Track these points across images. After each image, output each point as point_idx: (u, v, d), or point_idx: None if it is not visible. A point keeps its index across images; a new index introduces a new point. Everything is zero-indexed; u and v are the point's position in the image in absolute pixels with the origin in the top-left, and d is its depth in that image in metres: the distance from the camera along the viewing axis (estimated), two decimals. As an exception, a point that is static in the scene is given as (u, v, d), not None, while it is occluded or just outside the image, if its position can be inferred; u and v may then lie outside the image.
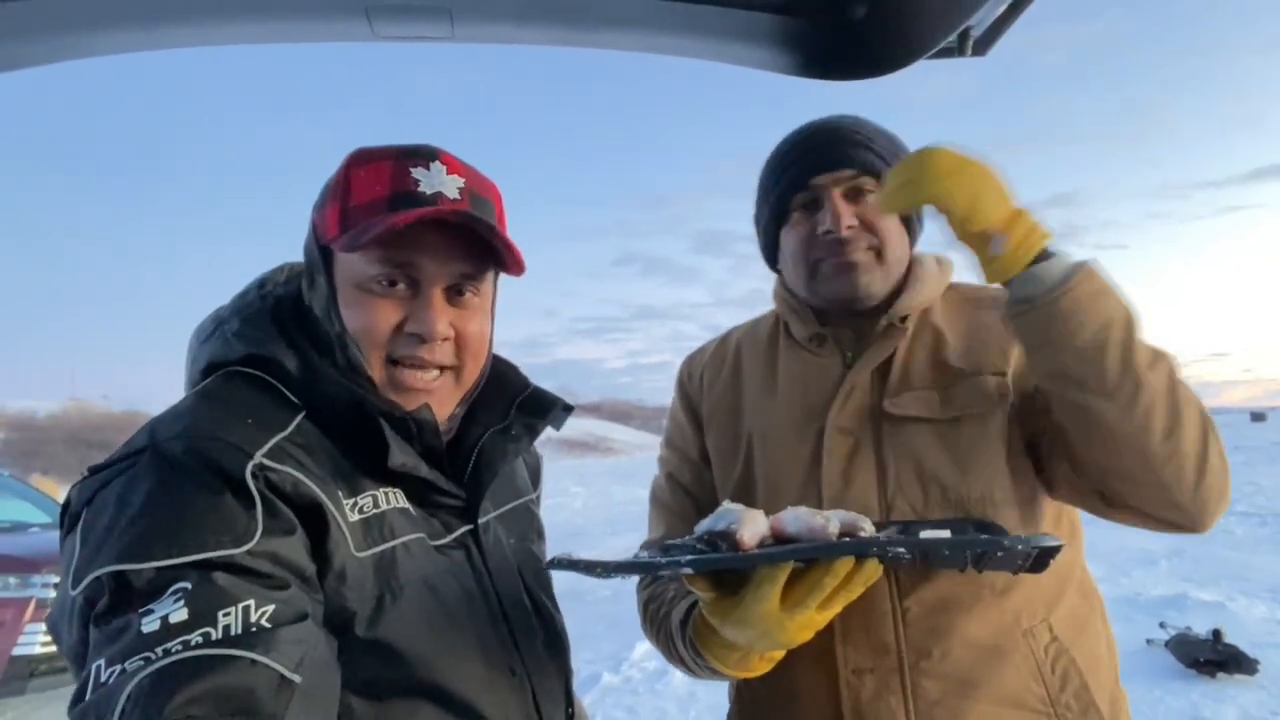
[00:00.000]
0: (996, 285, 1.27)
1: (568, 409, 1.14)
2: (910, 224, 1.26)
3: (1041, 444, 1.14)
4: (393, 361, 0.96)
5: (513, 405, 1.11)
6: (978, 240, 1.02)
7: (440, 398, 0.99)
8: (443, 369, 0.99)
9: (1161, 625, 5.35)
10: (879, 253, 1.21)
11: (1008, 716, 1.08)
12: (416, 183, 0.94)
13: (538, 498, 1.29)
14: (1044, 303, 0.98)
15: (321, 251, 0.97)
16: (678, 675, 5.07)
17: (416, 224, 0.90)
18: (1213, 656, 4.74)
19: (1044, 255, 1.01)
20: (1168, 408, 0.98)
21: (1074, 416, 1.03)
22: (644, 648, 5.81)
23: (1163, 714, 4.32)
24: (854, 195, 1.21)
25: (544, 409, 1.12)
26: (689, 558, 0.91)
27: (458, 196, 0.96)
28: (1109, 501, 1.08)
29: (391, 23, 1.10)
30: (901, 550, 0.88)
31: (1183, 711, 4.34)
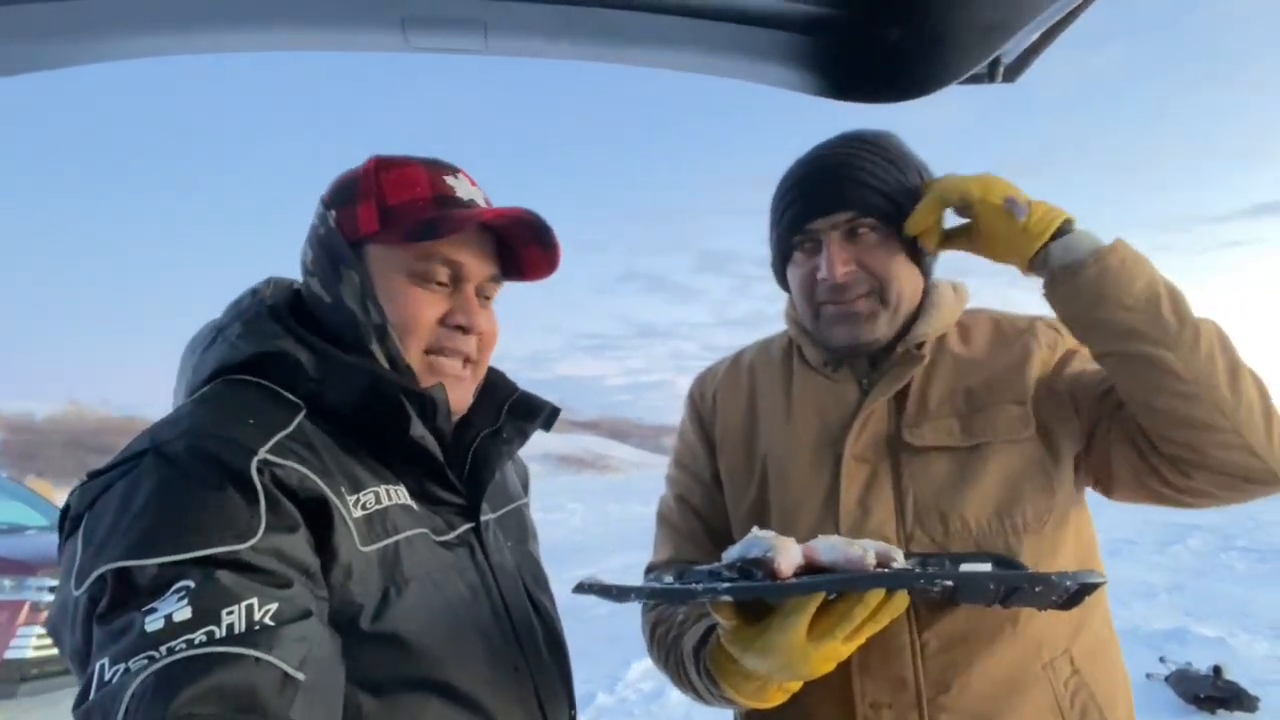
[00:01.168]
0: (1020, 315, 1.28)
1: (555, 411, 1.17)
2: (920, 256, 1.23)
3: (1097, 442, 1.15)
4: (429, 351, 1.01)
5: (503, 409, 1.13)
6: (1002, 214, 1.10)
7: (466, 386, 1.05)
8: (466, 361, 1.04)
9: (1161, 659, 5.30)
10: (881, 295, 1.19)
11: None
12: (452, 189, 1.01)
13: (528, 503, 1.31)
14: (1093, 262, 1.05)
15: (352, 247, 1.00)
16: (674, 695, 5.03)
17: (467, 225, 0.98)
18: (1213, 693, 4.69)
19: (1069, 229, 1.09)
20: (1225, 356, 1.03)
21: (1141, 376, 1.04)
22: (640, 667, 5.76)
23: (1163, 750, 4.28)
24: (852, 235, 1.19)
25: (533, 412, 1.15)
26: (727, 585, 0.89)
27: (486, 206, 1.03)
28: (1183, 472, 1.06)
29: (426, 34, 1.11)
30: (949, 583, 0.86)
31: (1183, 748, 4.30)
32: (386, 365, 0.98)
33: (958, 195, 1.13)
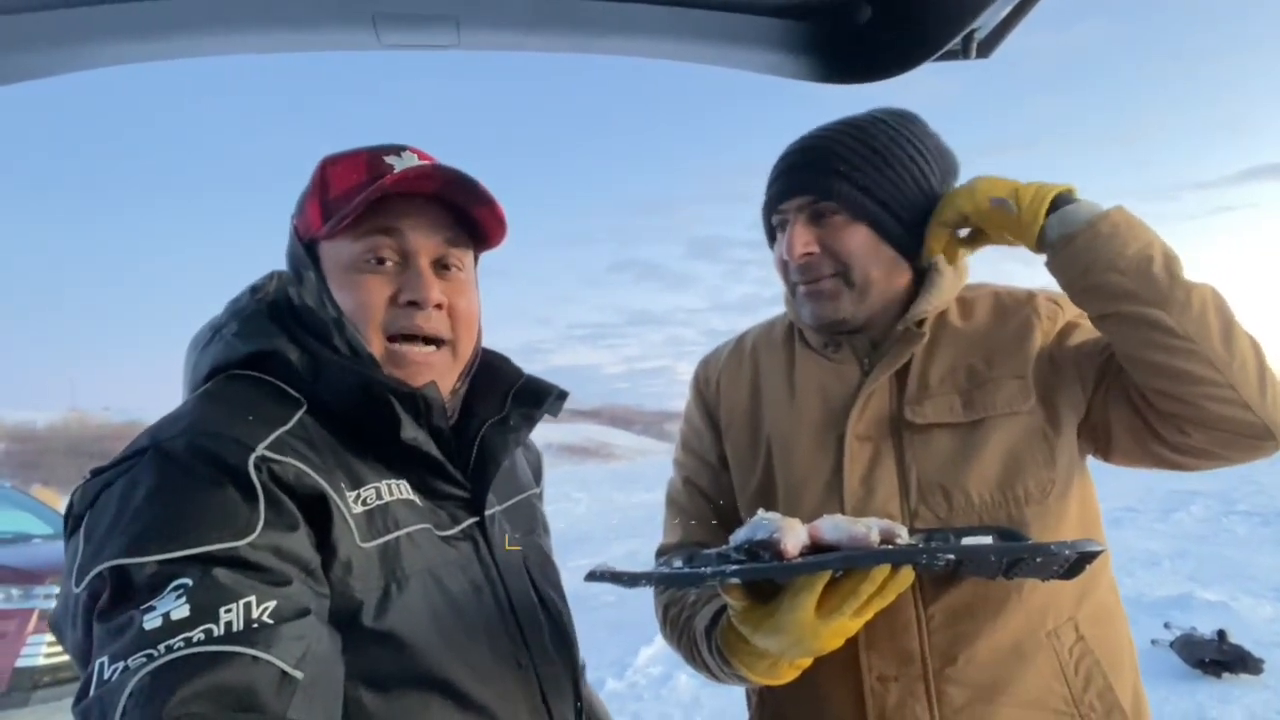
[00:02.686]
0: (1020, 287, 1.29)
1: (562, 395, 1.16)
2: (896, 239, 1.22)
3: (1096, 405, 1.16)
4: (391, 339, 0.98)
5: (508, 396, 1.12)
6: (995, 216, 1.12)
7: (440, 371, 1.02)
8: (440, 343, 1.02)
9: (1166, 625, 5.33)
10: (845, 276, 1.20)
11: (1031, 718, 1.08)
12: (391, 167, 0.98)
13: (540, 493, 1.30)
14: (1085, 229, 1.07)
15: (306, 248, 1.00)
16: (682, 680, 5.06)
17: (400, 198, 0.96)
18: (1218, 656, 4.73)
19: (1067, 201, 1.10)
20: (1218, 314, 1.05)
21: (1136, 335, 1.06)
22: (648, 653, 5.80)
23: (1169, 715, 4.31)
24: (816, 219, 1.21)
25: (539, 397, 1.13)
26: (735, 568, 0.90)
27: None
28: (1181, 429, 1.08)
29: (398, 31, 1.10)
30: (951, 557, 0.87)
31: (1189, 712, 4.32)
32: (350, 355, 0.96)
33: (955, 215, 1.16)
